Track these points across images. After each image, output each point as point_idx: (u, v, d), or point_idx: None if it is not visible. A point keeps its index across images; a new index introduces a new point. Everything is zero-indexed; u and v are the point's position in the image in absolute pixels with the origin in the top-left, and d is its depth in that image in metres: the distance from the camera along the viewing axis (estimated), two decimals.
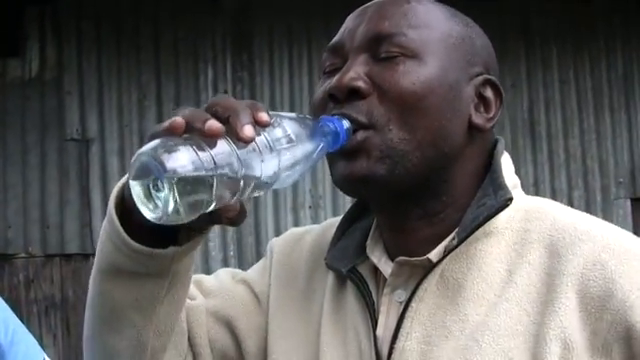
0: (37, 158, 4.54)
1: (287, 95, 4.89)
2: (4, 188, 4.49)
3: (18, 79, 4.56)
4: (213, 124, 0.80)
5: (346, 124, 0.92)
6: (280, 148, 0.85)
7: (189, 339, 1.04)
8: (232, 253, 4.60)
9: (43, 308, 4.42)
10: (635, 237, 0.94)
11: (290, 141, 0.86)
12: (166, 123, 0.81)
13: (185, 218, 0.79)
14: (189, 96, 4.75)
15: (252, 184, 0.82)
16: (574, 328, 0.87)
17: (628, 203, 5.06)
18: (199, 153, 0.78)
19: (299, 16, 4.81)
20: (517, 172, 1.02)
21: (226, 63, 4.80)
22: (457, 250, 0.94)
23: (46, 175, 4.54)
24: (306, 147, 0.88)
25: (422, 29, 0.95)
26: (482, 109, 0.98)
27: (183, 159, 0.77)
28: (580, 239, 0.91)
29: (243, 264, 4.48)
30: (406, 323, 0.94)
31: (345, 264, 1.01)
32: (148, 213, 0.79)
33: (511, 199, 0.93)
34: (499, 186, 0.94)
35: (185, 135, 0.80)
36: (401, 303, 0.95)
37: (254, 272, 1.12)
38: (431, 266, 0.94)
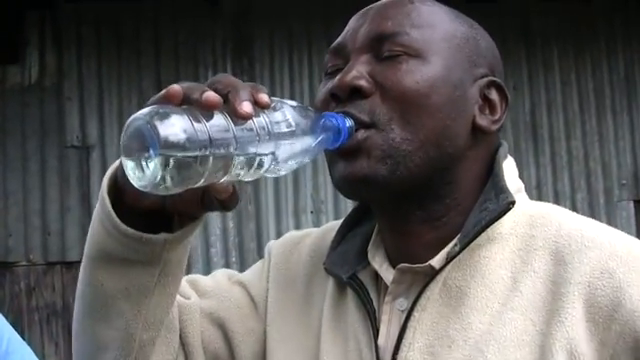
0: (37, 165, 4.52)
1: (287, 98, 4.87)
2: (4, 195, 4.47)
3: (18, 85, 4.54)
4: (211, 94, 0.79)
5: (349, 122, 0.91)
6: (278, 132, 0.83)
7: (181, 338, 1.02)
8: (234, 259, 4.58)
9: (45, 316, 4.39)
10: None
11: (289, 126, 0.85)
12: (163, 91, 0.80)
13: (173, 189, 0.77)
14: None
15: (245, 164, 0.80)
16: (581, 339, 0.85)
17: (631, 205, 5.04)
18: (194, 124, 0.76)
19: (299, 20, 4.80)
20: (520, 175, 1.00)
21: (226, 67, 4.78)
22: (460, 257, 0.92)
23: (46, 182, 4.52)
24: (305, 136, 0.86)
25: (425, 29, 0.94)
26: (487, 111, 0.96)
27: (177, 127, 0.75)
28: (587, 246, 0.89)
29: (245, 270, 4.44)
30: (408, 333, 0.92)
31: (345, 270, 0.99)
32: (136, 180, 0.77)
33: (513, 202, 0.91)
34: (501, 189, 0.93)
35: (183, 106, 0.78)
36: (403, 312, 0.94)
37: (251, 274, 1.11)
38: (433, 273, 0.93)
